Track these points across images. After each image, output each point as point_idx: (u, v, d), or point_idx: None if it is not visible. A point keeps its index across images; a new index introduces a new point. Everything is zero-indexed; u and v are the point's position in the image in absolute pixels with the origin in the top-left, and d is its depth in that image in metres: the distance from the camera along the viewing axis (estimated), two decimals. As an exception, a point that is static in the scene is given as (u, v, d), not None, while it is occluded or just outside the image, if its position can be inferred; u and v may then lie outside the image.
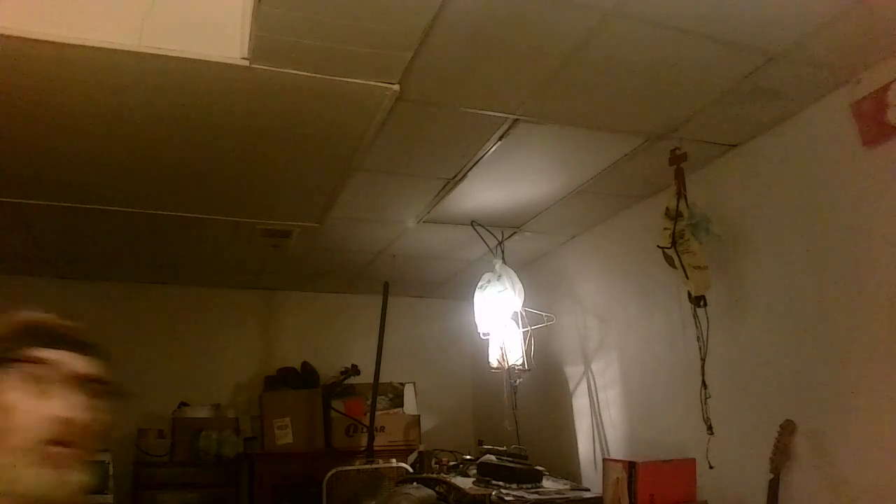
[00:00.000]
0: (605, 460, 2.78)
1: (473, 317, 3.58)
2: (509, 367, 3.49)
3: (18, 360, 0.90)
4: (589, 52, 1.95)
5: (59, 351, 0.93)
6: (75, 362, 0.94)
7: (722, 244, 2.54)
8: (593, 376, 3.51)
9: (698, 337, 2.48)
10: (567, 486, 3.07)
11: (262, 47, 1.83)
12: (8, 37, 1.70)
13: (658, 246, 2.52)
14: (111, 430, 0.95)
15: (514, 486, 2.92)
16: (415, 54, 1.90)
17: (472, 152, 2.63)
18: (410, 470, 3.60)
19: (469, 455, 3.52)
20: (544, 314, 3.59)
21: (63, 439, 0.89)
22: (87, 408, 0.92)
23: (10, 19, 1.69)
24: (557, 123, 2.42)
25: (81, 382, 0.93)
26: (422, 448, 3.93)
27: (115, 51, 1.78)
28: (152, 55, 1.81)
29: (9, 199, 2.86)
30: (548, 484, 3.07)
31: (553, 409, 3.81)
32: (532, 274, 3.87)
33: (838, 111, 2.18)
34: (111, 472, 3.24)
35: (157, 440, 3.90)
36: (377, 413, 3.96)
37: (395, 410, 4.28)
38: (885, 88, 2.03)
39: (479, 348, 3.93)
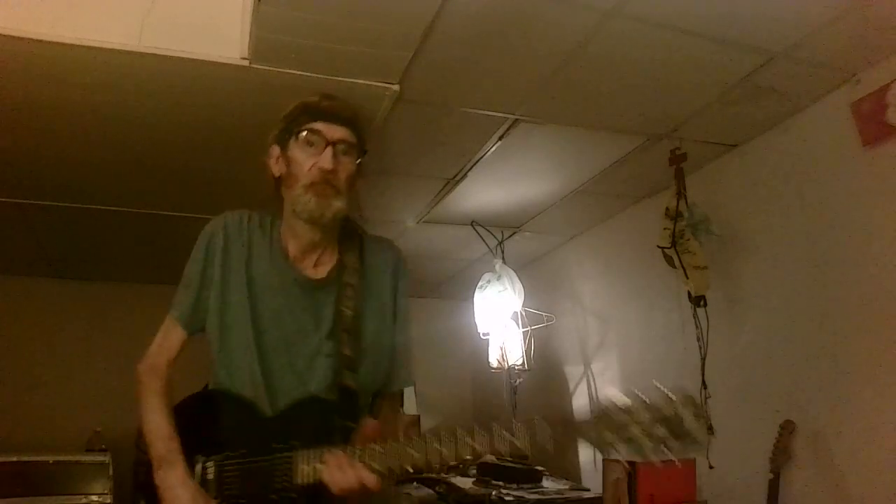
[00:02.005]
0: (605, 460, 2.78)
1: (473, 317, 3.58)
2: (509, 367, 3.50)
3: (300, 131, 1.39)
4: (589, 52, 1.95)
5: (327, 123, 1.39)
6: (336, 131, 1.39)
7: (722, 244, 2.54)
8: (593, 376, 3.51)
9: (698, 337, 2.48)
10: (567, 486, 3.08)
11: (262, 47, 1.83)
12: (8, 37, 1.70)
13: (658, 246, 2.52)
14: (352, 182, 1.43)
15: (514, 486, 2.92)
16: (415, 54, 1.90)
17: (472, 152, 2.63)
18: (410, 470, 3.60)
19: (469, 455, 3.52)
20: (544, 314, 3.59)
21: (325, 180, 1.37)
22: (341, 162, 1.39)
23: (10, 19, 1.69)
24: (557, 123, 2.42)
25: (336, 144, 1.39)
26: (422, 448, 3.93)
27: (115, 51, 1.78)
28: (152, 55, 1.81)
29: (9, 199, 2.86)
30: (548, 484, 3.07)
31: (553, 409, 3.81)
32: (532, 274, 3.87)
33: (838, 111, 2.18)
34: (111, 473, 3.23)
35: (157, 440, 3.89)
36: (377, 413, 3.94)
37: (395, 410, 4.27)
38: (885, 88, 2.03)
39: (479, 348, 3.93)
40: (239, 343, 1.40)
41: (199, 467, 1.33)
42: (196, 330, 1.48)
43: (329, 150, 1.37)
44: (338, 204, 1.38)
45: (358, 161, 1.43)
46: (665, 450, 1.07)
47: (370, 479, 1.19)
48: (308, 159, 1.38)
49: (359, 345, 1.41)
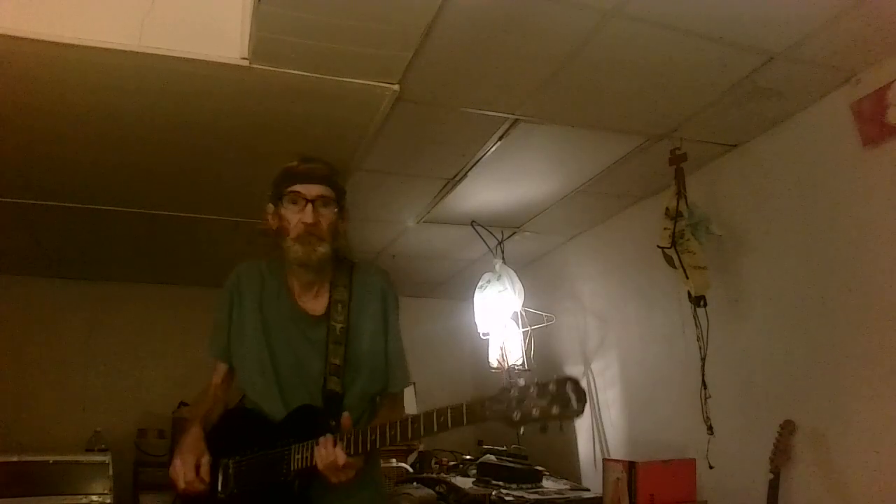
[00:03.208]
0: (605, 460, 2.79)
1: (473, 317, 3.58)
2: (509, 367, 3.49)
3: (287, 192, 1.66)
4: (589, 52, 1.95)
5: (305, 185, 1.65)
6: (313, 190, 1.66)
7: (722, 244, 2.54)
8: (593, 376, 3.51)
9: (698, 337, 2.48)
10: (567, 486, 3.08)
11: (262, 47, 1.83)
12: (8, 37, 1.71)
13: (658, 246, 2.52)
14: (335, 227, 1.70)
15: (514, 486, 2.92)
16: (415, 54, 1.90)
17: (472, 152, 2.63)
18: (410, 470, 3.60)
19: (469, 455, 3.52)
20: (544, 314, 3.59)
21: (309, 231, 1.63)
22: (321, 214, 1.65)
23: (10, 19, 1.69)
24: (557, 123, 2.42)
25: (315, 201, 1.64)
26: (422, 448, 3.93)
27: (114, 51, 1.78)
28: (152, 55, 1.81)
29: (10, 199, 2.86)
30: (548, 484, 3.07)
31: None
32: (532, 274, 3.87)
33: (838, 111, 2.18)
34: (111, 473, 3.23)
35: (157, 440, 3.88)
36: (377, 413, 3.94)
37: (395, 410, 4.26)
38: (885, 88, 2.03)
39: (479, 348, 3.93)
40: (259, 367, 1.71)
41: (223, 466, 1.68)
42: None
43: (309, 207, 1.64)
44: (321, 249, 1.66)
45: (337, 209, 1.71)
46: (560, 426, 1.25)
47: (342, 457, 1.49)
48: (294, 216, 1.65)
49: (350, 356, 1.69)
